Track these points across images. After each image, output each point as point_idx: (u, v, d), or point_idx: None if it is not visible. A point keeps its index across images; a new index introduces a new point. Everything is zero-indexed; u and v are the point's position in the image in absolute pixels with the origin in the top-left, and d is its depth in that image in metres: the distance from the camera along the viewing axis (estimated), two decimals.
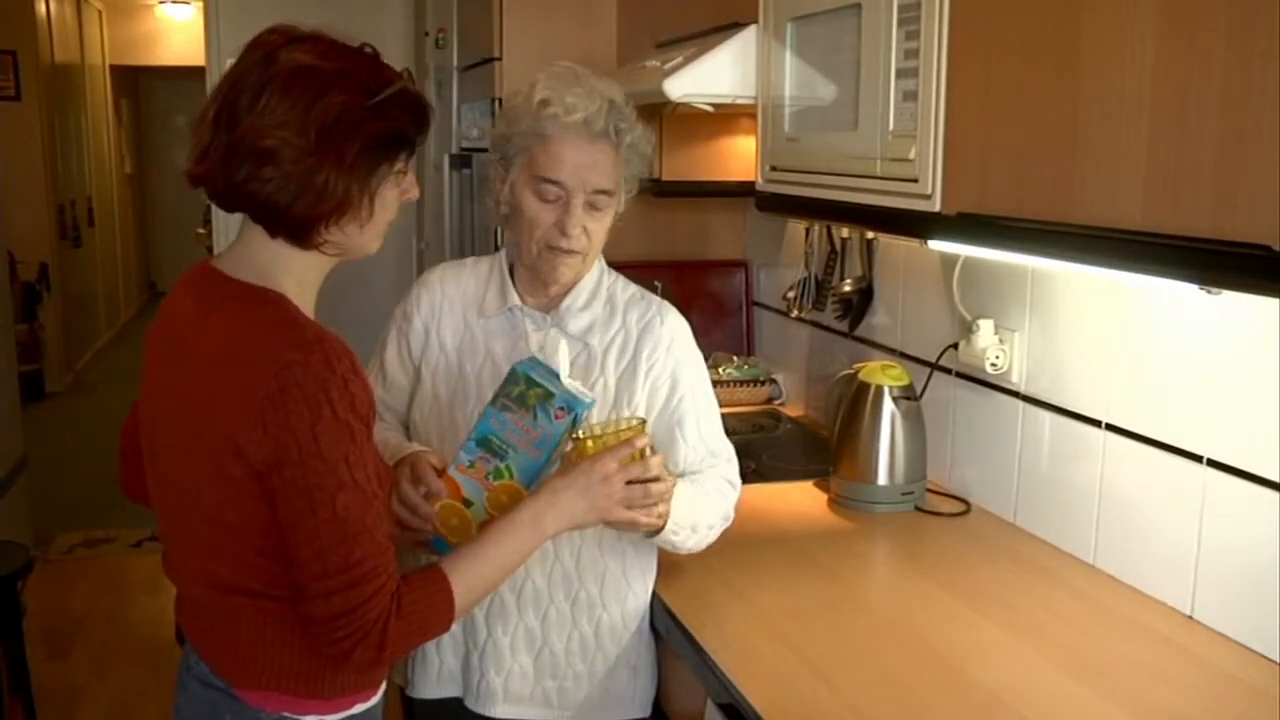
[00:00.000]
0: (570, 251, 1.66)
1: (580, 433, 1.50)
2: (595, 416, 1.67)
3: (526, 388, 1.49)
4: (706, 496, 1.70)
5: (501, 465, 1.51)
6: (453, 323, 1.75)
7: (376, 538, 1.27)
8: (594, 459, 1.47)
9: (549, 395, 1.48)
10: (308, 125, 1.23)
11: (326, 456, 1.22)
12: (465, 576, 1.36)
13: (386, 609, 1.27)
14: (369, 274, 3.35)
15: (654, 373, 1.72)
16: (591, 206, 1.64)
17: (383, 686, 1.45)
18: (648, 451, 1.50)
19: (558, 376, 1.50)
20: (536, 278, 1.71)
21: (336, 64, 1.27)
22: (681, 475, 1.72)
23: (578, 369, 1.68)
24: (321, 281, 1.38)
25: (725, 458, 1.77)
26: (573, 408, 1.49)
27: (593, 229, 1.66)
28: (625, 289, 1.78)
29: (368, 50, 1.31)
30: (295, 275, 1.33)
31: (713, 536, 1.71)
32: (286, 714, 1.35)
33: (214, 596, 1.35)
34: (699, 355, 1.78)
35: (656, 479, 1.50)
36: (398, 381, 1.78)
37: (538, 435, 1.49)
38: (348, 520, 1.24)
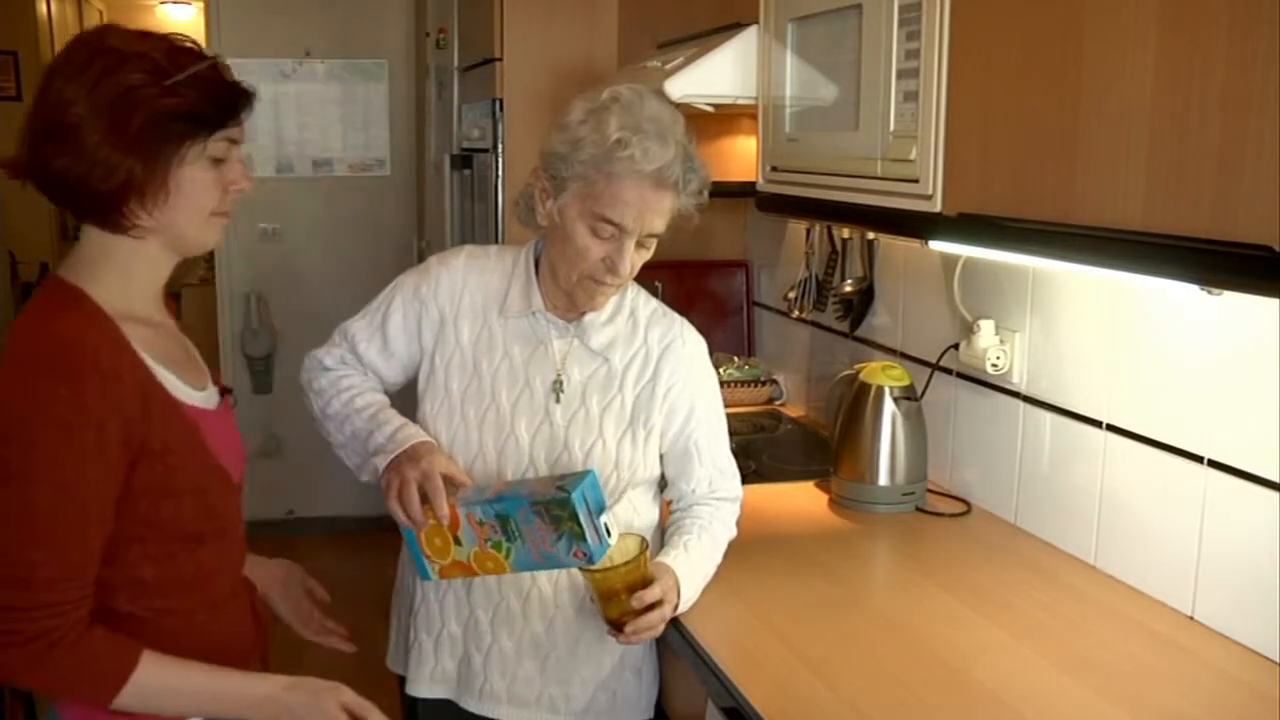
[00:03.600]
0: (612, 285, 1.66)
1: (593, 566, 1.53)
2: (611, 434, 1.69)
3: (568, 516, 1.48)
4: (715, 540, 1.74)
5: (505, 544, 1.53)
6: (471, 316, 1.73)
7: (68, 549, 1.22)
8: (328, 690, 1.36)
9: (581, 536, 1.48)
10: (97, 102, 1.25)
11: (26, 443, 1.20)
12: (154, 676, 1.27)
13: (57, 631, 1.22)
14: (368, 274, 3.35)
15: (673, 394, 1.72)
16: (641, 245, 1.64)
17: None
18: (646, 569, 1.54)
19: (603, 510, 1.52)
20: (568, 298, 1.70)
21: (134, 47, 1.28)
22: (693, 504, 1.76)
23: (596, 382, 1.70)
24: (162, 276, 1.37)
25: (730, 473, 1.80)
26: (594, 558, 1.50)
27: (636, 263, 1.66)
28: (647, 304, 1.78)
29: (179, 39, 1.32)
30: (117, 267, 1.32)
31: None
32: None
33: None
34: (714, 374, 1.81)
35: (651, 607, 1.53)
36: (397, 352, 1.77)
37: (550, 552, 1.51)
38: (35, 517, 1.21)
